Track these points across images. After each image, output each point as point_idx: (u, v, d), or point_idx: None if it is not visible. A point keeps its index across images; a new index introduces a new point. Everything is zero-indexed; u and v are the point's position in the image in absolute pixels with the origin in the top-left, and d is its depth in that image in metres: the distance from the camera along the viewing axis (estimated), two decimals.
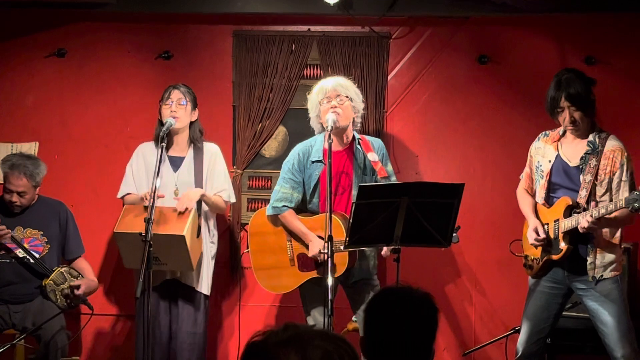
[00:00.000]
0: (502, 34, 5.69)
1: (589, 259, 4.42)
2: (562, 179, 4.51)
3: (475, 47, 5.67)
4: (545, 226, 4.56)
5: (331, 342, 1.75)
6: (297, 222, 4.96)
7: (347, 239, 4.38)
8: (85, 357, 5.84)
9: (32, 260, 5.13)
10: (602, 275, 4.42)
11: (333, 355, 1.73)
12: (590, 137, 4.47)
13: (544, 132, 4.69)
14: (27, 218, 5.25)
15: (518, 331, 4.90)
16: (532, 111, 5.51)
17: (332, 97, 4.87)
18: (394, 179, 5.02)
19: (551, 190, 4.55)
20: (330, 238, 4.28)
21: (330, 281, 4.21)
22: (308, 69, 5.73)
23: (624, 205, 4.13)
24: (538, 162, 4.64)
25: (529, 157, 4.75)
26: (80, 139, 5.87)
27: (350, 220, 4.31)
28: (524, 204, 4.74)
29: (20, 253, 5.13)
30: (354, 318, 5.21)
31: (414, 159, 5.72)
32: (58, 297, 5.11)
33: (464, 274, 5.72)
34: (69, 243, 5.37)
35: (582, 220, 4.27)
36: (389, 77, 5.71)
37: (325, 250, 4.33)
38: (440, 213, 4.36)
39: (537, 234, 4.51)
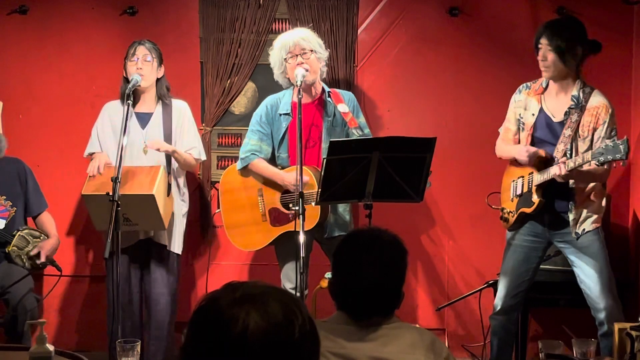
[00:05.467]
0: None
1: (571, 216, 4.41)
2: (546, 133, 4.47)
3: None
4: (520, 179, 4.54)
5: (283, 294, 1.71)
6: (267, 167, 4.93)
7: (318, 194, 4.34)
8: (55, 319, 5.78)
9: None
10: (584, 229, 4.42)
11: (292, 308, 1.68)
12: (575, 92, 4.42)
13: (524, 85, 4.63)
14: None
15: (492, 285, 4.90)
16: (504, 63, 5.48)
17: (297, 53, 4.82)
18: (367, 131, 4.99)
19: (534, 144, 4.50)
20: (301, 195, 4.24)
21: (301, 238, 4.17)
22: (277, 23, 5.63)
23: (590, 159, 4.09)
24: (519, 114, 4.59)
25: (509, 110, 4.69)
26: (45, 98, 5.75)
27: (322, 177, 4.27)
28: (503, 147, 4.69)
29: None
30: (327, 274, 5.18)
31: (385, 114, 5.67)
32: (24, 260, 5.05)
33: (438, 228, 5.71)
34: (31, 200, 5.27)
35: (557, 169, 4.23)
36: (359, 31, 5.63)
37: (296, 207, 4.29)
38: (412, 167, 4.32)
39: (528, 151, 4.44)
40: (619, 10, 5.49)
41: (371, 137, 4.97)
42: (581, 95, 4.39)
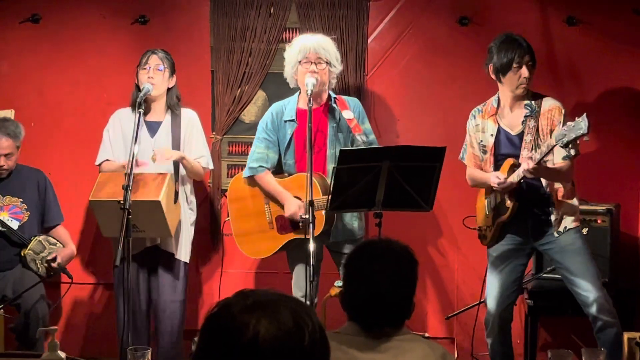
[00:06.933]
0: None
1: (553, 217, 4.49)
2: (508, 148, 4.53)
3: (456, 9, 5.61)
4: (492, 193, 4.60)
5: (294, 302, 1.72)
6: (273, 183, 4.93)
7: (328, 203, 4.35)
8: (65, 326, 5.80)
9: (9, 232, 5.09)
10: (565, 227, 4.48)
11: (302, 315, 1.69)
12: (526, 101, 4.52)
13: (476, 109, 4.72)
14: (6, 186, 5.21)
15: None
16: None
17: (312, 60, 4.82)
18: (372, 137, 4.98)
19: (498, 162, 4.56)
20: (311, 203, 4.25)
21: (311, 247, 4.18)
22: (287, 32, 5.65)
23: (554, 143, 4.14)
24: (479, 139, 4.65)
25: (468, 137, 4.74)
26: (57, 106, 5.79)
27: (332, 185, 4.28)
28: (475, 173, 4.73)
29: None
30: (336, 283, 5.19)
31: (395, 123, 5.68)
32: (39, 265, 5.09)
33: (446, 237, 5.71)
34: (48, 211, 5.33)
35: (525, 164, 4.27)
36: (369, 40, 5.65)
37: (306, 215, 4.30)
38: (422, 177, 4.34)
39: (498, 177, 4.49)
40: (629, 21, 5.49)
41: (376, 143, 4.98)
42: (533, 103, 4.50)
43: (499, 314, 4.63)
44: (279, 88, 5.41)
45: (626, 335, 3.82)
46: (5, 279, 5.07)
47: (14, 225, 5.16)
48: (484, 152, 4.63)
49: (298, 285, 4.96)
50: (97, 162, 5.17)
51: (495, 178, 4.51)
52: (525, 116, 4.49)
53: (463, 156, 4.80)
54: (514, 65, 4.45)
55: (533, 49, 4.52)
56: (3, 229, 5.09)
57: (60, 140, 5.79)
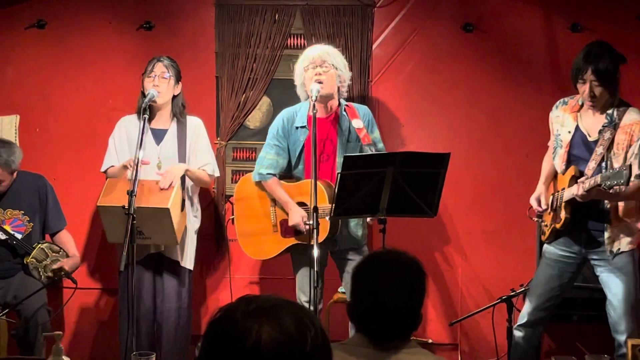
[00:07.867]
0: (487, 1, 5.64)
1: (607, 234, 4.38)
2: (582, 151, 4.44)
3: (460, 15, 5.62)
4: (557, 193, 4.53)
5: (296, 307, 1.73)
6: (279, 190, 4.95)
7: (333, 209, 4.35)
8: (69, 331, 5.81)
9: (14, 241, 5.09)
10: (619, 249, 4.38)
11: (304, 320, 1.69)
12: (609, 110, 4.37)
13: (562, 100, 4.62)
14: (7, 198, 5.18)
15: (505, 300, 4.88)
16: (518, 79, 5.50)
17: (317, 64, 4.84)
18: (381, 146, 5.00)
19: (571, 161, 4.48)
20: (315, 209, 4.25)
21: (315, 253, 4.18)
22: (292, 38, 5.67)
23: (599, 182, 4.06)
24: (557, 130, 4.58)
25: (550, 125, 4.68)
26: (62, 112, 5.80)
27: (336, 191, 4.28)
28: (543, 168, 4.72)
29: (1, 235, 5.08)
30: (340, 289, 5.20)
31: (399, 129, 5.69)
32: (41, 273, 5.08)
33: (451, 243, 5.71)
34: (50, 217, 5.31)
35: (575, 188, 4.23)
36: (374, 47, 5.66)
37: (310, 221, 4.31)
38: (426, 183, 4.34)
39: (539, 204, 4.50)
40: (633, 28, 5.50)
41: (385, 151, 4.99)
42: (615, 113, 4.34)
43: (536, 312, 4.61)
44: (283, 94, 5.43)
45: (630, 342, 3.81)
46: (8, 286, 5.07)
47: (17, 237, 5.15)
48: (560, 146, 4.54)
49: (302, 290, 4.96)
50: (102, 169, 5.17)
51: (535, 202, 4.54)
52: (604, 126, 4.35)
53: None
54: (579, 79, 4.34)
55: (612, 68, 4.29)
56: (6, 237, 5.08)
57: (65, 145, 5.80)
